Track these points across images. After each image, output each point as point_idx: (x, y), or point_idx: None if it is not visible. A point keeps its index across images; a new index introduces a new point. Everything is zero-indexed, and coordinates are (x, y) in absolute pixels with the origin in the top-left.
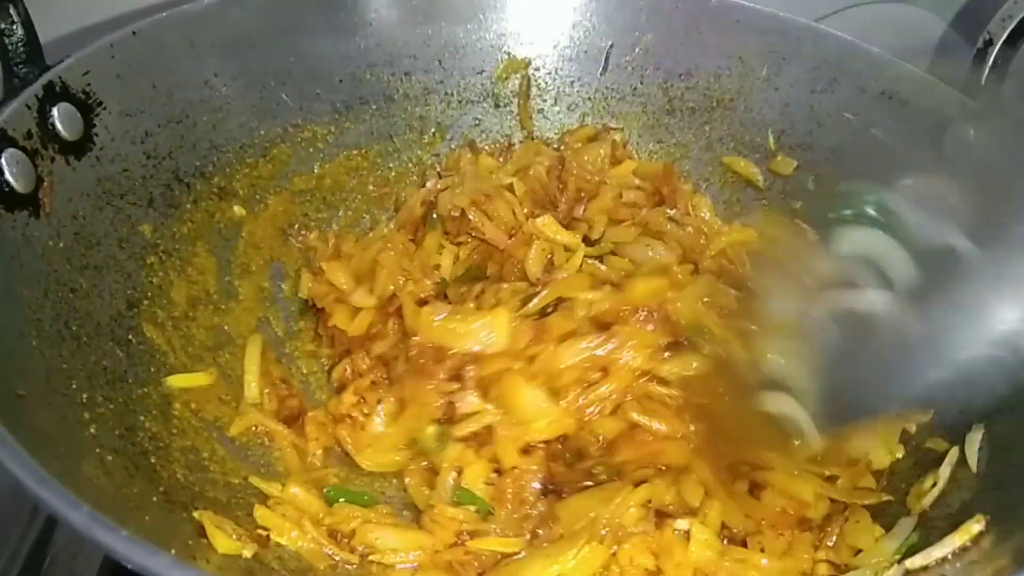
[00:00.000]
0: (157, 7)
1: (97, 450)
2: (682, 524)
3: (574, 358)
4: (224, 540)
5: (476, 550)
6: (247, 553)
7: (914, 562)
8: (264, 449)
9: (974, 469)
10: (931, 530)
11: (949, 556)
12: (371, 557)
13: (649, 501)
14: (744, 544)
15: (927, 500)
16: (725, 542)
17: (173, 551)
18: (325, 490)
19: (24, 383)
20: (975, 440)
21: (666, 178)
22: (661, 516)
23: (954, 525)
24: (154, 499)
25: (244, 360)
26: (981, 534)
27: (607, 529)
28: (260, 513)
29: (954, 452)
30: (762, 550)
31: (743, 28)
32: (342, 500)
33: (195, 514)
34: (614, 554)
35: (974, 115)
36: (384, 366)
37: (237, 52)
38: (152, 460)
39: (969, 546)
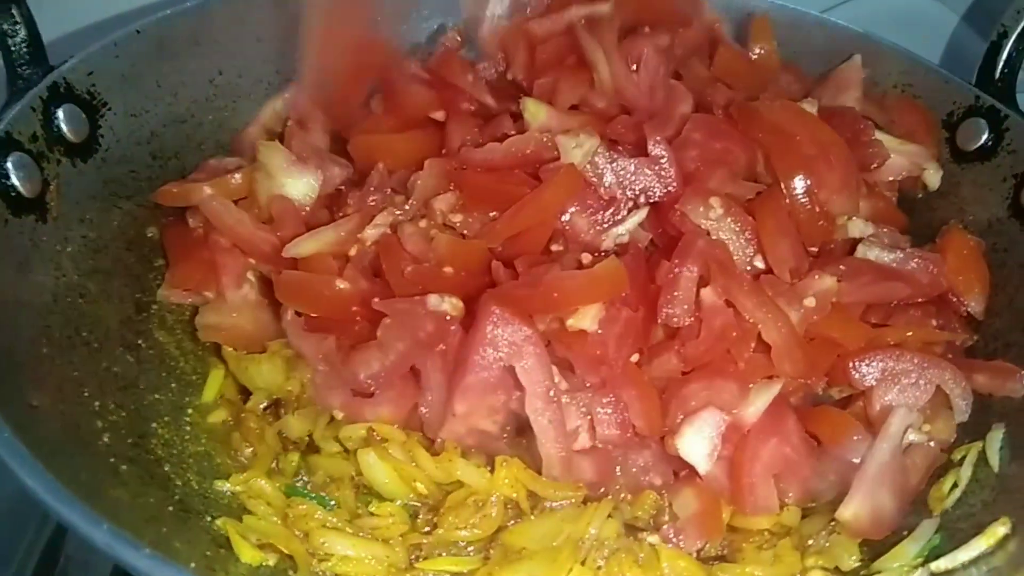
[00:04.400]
0: (160, 5)
1: (112, 459)
2: (652, 539)
3: None
4: (249, 549)
5: (427, 571)
6: (270, 561)
7: (939, 565)
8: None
9: (996, 469)
10: (953, 532)
11: (974, 559)
12: (323, 565)
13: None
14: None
15: (948, 501)
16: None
17: (193, 565)
18: (284, 488)
19: (37, 393)
20: (996, 439)
21: None
22: (631, 530)
23: (977, 527)
24: (170, 508)
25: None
26: (1007, 537)
27: (587, 546)
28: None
29: (974, 452)
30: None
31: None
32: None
33: (218, 522)
34: (599, 569)
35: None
36: None
37: (241, 49)
38: (166, 468)
39: (995, 549)
